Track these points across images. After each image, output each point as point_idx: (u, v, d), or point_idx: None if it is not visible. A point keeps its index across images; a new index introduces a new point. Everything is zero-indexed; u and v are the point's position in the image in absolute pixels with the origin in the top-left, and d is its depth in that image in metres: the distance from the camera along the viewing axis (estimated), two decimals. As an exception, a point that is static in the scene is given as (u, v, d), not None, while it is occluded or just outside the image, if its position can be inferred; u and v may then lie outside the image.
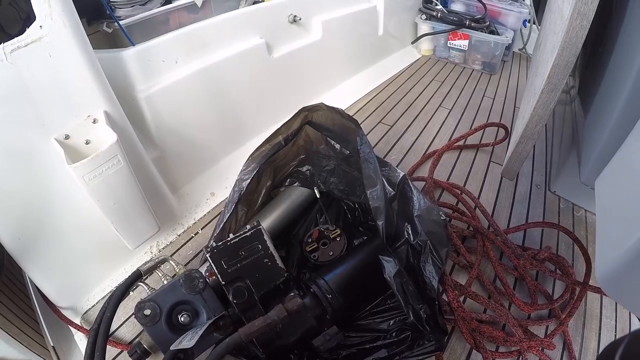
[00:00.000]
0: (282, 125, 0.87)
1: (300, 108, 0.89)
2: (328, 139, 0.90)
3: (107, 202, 0.82)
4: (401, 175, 0.76)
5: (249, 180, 0.81)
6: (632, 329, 0.95)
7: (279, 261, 0.66)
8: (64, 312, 0.88)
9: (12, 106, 0.69)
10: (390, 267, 0.69)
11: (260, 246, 0.65)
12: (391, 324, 0.80)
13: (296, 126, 0.89)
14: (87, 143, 0.80)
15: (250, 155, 0.86)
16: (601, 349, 0.90)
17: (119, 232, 0.87)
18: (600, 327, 0.94)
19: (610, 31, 0.88)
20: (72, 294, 0.91)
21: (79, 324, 0.87)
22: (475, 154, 1.45)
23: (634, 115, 0.64)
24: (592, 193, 0.87)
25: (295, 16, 1.42)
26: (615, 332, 0.94)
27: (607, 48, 0.89)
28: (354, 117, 0.83)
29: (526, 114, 1.05)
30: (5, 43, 0.65)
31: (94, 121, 0.81)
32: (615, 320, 0.96)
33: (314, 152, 0.94)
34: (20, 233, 0.77)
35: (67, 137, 0.77)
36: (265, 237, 0.65)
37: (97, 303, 0.91)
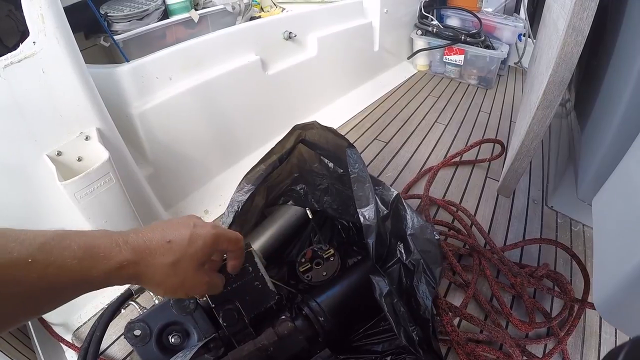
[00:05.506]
0: (276, 144, 0.86)
1: (293, 126, 0.88)
2: (322, 157, 0.89)
3: (99, 220, 0.81)
4: (395, 194, 0.76)
5: (243, 201, 0.80)
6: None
7: (269, 284, 0.65)
8: (56, 329, 0.87)
9: (4, 122, 0.69)
10: (381, 287, 0.68)
11: (250, 269, 0.63)
12: (386, 346, 0.78)
13: (290, 145, 0.88)
14: (79, 160, 0.80)
15: (245, 176, 0.85)
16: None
17: (110, 250, 0.86)
18: (599, 345, 0.92)
19: (605, 44, 0.87)
20: (63, 311, 0.88)
21: (70, 341, 0.86)
22: (472, 170, 1.44)
23: (632, 132, 0.63)
24: (590, 208, 0.86)
25: (290, 33, 1.42)
26: (615, 349, 0.92)
27: (603, 62, 0.88)
28: (349, 134, 0.83)
29: (522, 130, 1.04)
30: (-2, 58, 0.65)
31: (87, 138, 0.81)
32: (615, 336, 0.94)
33: (307, 171, 0.93)
34: (11, 248, 0.76)
35: (59, 153, 0.77)
36: (256, 260, 0.64)
37: (88, 320, 0.90)
